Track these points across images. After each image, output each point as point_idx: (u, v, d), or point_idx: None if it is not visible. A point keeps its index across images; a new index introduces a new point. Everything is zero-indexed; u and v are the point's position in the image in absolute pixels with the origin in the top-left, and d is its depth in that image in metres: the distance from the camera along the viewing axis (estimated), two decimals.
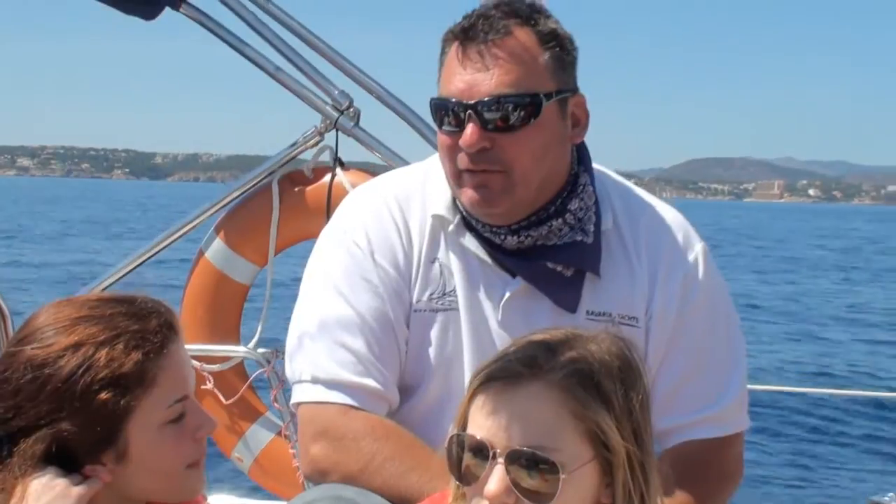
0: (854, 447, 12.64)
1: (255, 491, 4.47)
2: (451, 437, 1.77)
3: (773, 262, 51.90)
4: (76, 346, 1.91)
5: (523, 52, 2.28)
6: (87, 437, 1.90)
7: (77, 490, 1.89)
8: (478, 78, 2.26)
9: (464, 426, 1.78)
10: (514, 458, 1.70)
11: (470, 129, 2.26)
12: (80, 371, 1.89)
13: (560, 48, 2.32)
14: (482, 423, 1.74)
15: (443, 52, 2.35)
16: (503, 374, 1.76)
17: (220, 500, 4.06)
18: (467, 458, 1.74)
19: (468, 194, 2.32)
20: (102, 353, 1.90)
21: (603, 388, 1.76)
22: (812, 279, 42.81)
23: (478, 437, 1.73)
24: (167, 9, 4.14)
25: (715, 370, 2.42)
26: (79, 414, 1.89)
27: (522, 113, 2.26)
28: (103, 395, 1.89)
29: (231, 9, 4.14)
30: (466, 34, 2.28)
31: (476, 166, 2.28)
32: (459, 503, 1.81)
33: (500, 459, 1.71)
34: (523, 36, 2.28)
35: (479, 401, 1.76)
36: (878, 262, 55.87)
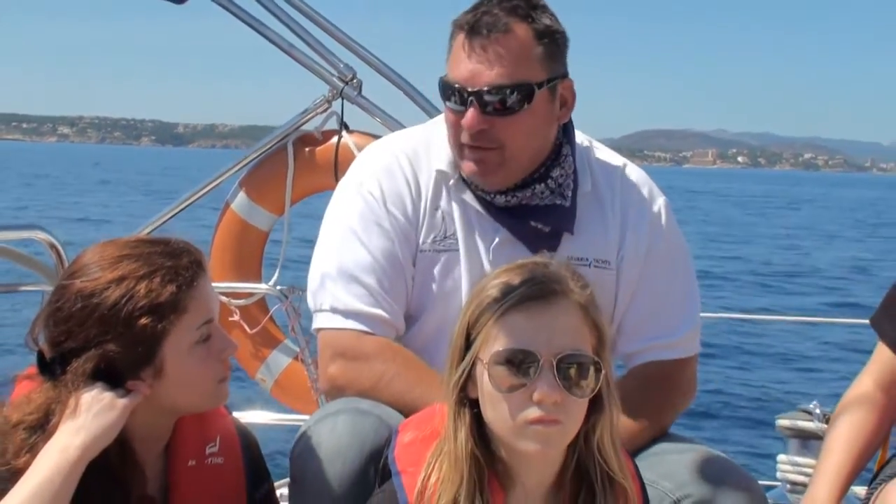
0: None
1: (276, 407, 4.49)
2: (491, 355, 1.76)
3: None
4: (120, 280, 1.92)
5: (520, 46, 2.29)
6: (130, 356, 1.93)
7: (122, 401, 1.92)
8: (480, 69, 2.27)
9: (472, 352, 1.80)
10: (563, 361, 1.74)
11: (471, 112, 2.28)
12: (124, 300, 1.91)
13: (552, 42, 2.33)
14: (523, 338, 1.75)
15: (452, 38, 2.35)
16: (540, 294, 1.77)
17: (247, 415, 4.09)
18: (505, 372, 1.75)
19: (468, 166, 2.35)
20: (142, 286, 1.92)
21: (597, 299, 1.84)
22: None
23: (525, 349, 1.75)
24: None
25: (675, 304, 2.46)
26: (122, 336, 1.91)
27: (517, 100, 2.28)
28: (143, 321, 1.91)
29: None
30: (472, 28, 2.29)
31: (475, 143, 2.31)
32: (458, 423, 1.82)
33: (551, 364, 1.73)
34: (521, 32, 2.29)
35: (513, 321, 1.77)
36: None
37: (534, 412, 1.73)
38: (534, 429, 1.74)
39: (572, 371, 1.74)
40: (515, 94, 2.26)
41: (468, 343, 1.81)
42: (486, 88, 2.26)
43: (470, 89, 2.27)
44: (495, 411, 1.77)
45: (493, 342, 1.77)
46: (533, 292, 1.77)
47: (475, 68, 2.27)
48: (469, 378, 1.81)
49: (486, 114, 2.27)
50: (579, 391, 1.75)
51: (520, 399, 1.74)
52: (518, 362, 1.74)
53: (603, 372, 1.78)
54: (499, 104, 2.26)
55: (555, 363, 1.73)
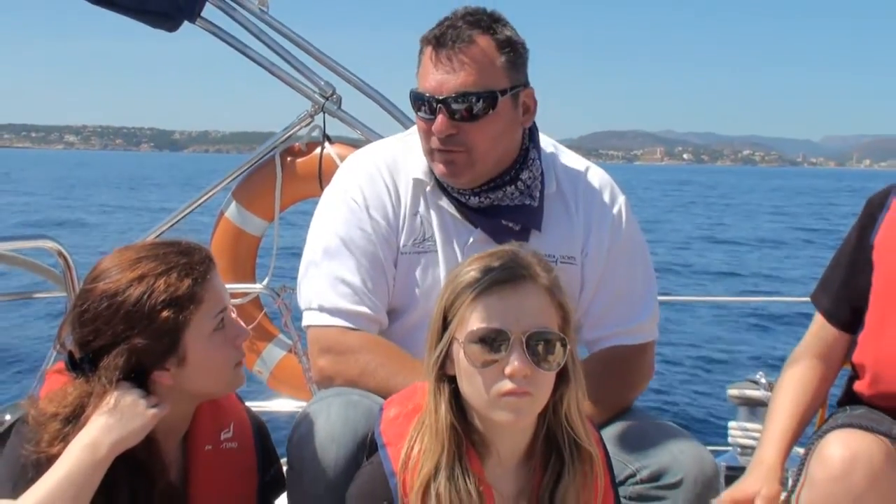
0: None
1: (274, 395, 4.47)
2: (466, 335, 1.78)
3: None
4: (140, 278, 1.92)
5: (483, 57, 2.28)
6: (155, 347, 1.93)
7: (152, 411, 1.93)
8: (447, 78, 2.27)
9: (449, 333, 1.81)
10: (532, 338, 1.76)
11: (440, 119, 2.28)
12: (145, 297, 1.91)
13: (513, 52, 2.32)
14: (494, 318, 1.77)
15: (420, 52, 2.35)
16: (509, 278, 1.79)
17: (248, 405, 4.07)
18: (480, 350, 1.77)
19: (439, 168, 2.35)
20: (161, 282, 1.92)
21: (561, 282, 1.86)
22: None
23: (497, 328, 1.76)
24: (185, 22, 4.08)
25: (635, 295, 2.46)
26: (147, 330, 1.91)
27: (482, 106, 2.27)
28: (165, 313, 1.91)
29: (236, 20, 4.16)
30: (438, 41, 2.29)
31: (444, 147, 2.31)
32: (438, 398, 1.83)
33: (521, 341, 1.75)
34: (484, 43, 2.28)
35: (485, 303, 1.78)
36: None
37: (506, 385, 1.76)
38: (506, 400, 1.76)
39: (540, 347, 1.76)
40: (480, 101, 2.26)
41: (445, 325, 1.83)
42: (452, 96, 2.25)
43: (438, 97, 2.26)
44: (471, 385, 1.79)
45: (468, 323, 1.79)
46: (502, 276, 1.79)
47: (442, 78, 2.27)
48: (447, 357, 1.83)
49: (453, 119, 2.27)
50: (547, 365, 1.77)
51: (493, 374, 1.76)
52: (491, 340, 1.76)
53: (568, 347, 1.80)
54: (465, 111, 2.26)
55: (524, 340, 1.75)
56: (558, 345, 1.78)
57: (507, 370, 1.75)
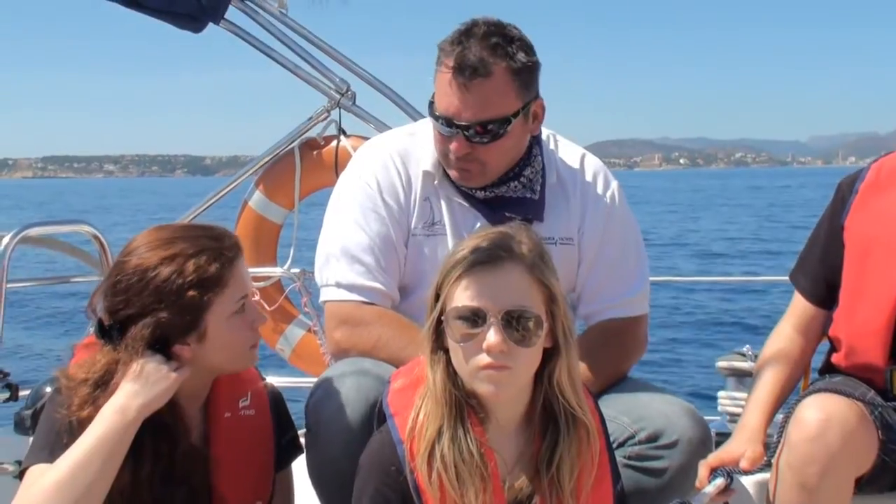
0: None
1: (295, 372, 4.48)
2: (448, 311, 1.79)
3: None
4: (172, 258, 1.93)
5: (499, 86, 2.26)
6: (179, 323, 1.94)
7: (174, 374, 1.94)
8: (464, 107, 2.25)
9: (438, 308, 1.82)
10: (508, 316, 1.76)
11: (457, 141, 2.28)
12: (175, 275, 1.91)
13: (527, 74, 2.31)
14: (474, 297, 1.77)
15: (438, 64, 2.30)
16: (487, 259, 1.79)
17: (271, 379, 4.07)
18: (461, 325, 1.77)
19: (453, 174, 2.36)
20: (191, 263, 1.92)
21: (549, 261, 1.85)
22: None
23: (475, 306, 1.76)
24: (210, 24, 4.08)
25: (628, 271, 2.47)
26: (173, 306, 1.91)
27: (495, 131, 2.28)
28: (191, 293, 1.92)
29: (258, 22, 4.16)
30: (457, 69, 2.25)
31: (460, 162, 2.32)
32: (434, 367, 1.84)
33: (497, 318, 1.75)
34: (500, 72, 2.24)
35: (466, 282, 1.78)
36: None
37: (484, 359, 1.75)
38: (486, 373, 1.76)
39: (517, 324, 1.76)
40: (494, 126, 2.26)
41: (438, 301, 1.83)
42: (469, 123, 2.25)
43: (455, 122, 2.26)
44: (456, 358, 1.80)
45: (453, 300, 1.79)
46: (483, 257, 1.79)
47: (459, 106, 2.25)
48: (443, 330, 1.84)
49: (469, 141, 2.27)
50: (524, 341, 1.77)
51: (472, 348, 1.77)
52: (470, 317, 1.77)
53: (546, 324, 1.80)
54: (479, 134, 2.26)
55: (500, 318, 1.75)
56: (535, 322, 1.78)
57: (484, 345, 1.75)
